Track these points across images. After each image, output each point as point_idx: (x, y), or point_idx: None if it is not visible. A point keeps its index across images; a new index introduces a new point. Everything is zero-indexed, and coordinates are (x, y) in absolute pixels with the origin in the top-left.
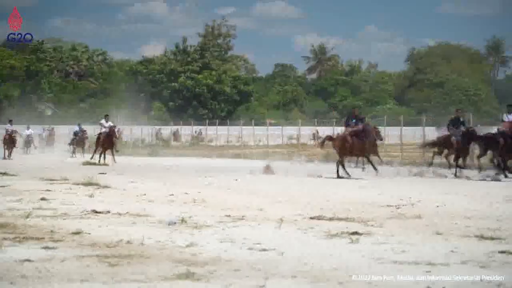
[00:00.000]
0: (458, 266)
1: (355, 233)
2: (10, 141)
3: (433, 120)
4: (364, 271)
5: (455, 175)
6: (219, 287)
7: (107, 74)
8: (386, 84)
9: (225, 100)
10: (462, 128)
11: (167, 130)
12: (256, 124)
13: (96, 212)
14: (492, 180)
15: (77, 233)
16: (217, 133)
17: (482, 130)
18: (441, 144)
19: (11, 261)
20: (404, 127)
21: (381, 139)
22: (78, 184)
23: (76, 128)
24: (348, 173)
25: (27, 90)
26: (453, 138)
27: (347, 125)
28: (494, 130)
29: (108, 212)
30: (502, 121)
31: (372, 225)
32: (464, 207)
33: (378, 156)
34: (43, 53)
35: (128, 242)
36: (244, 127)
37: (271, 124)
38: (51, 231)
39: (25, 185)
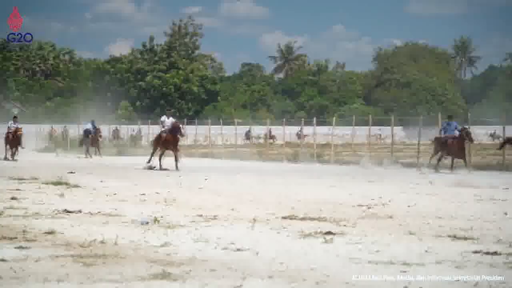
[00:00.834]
0: (434, 266)
1: (329, 233)
2: (14, 140)
3: (401, 121)
4: (340, 271)
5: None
6: (196, 287)
7: (74, 73)
8: (354, 84)
9: (192, 100)
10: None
11: (129, 130)
12: (224, 124)
13: (68, 211)
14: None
15: (50, 232)
16: (185, 132)
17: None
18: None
19: None
20: (372, 127)
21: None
22: (47, 183)
23: (88, 125)
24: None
25: None
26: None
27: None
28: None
29: (80, 211)
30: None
31: (345, 225)
32: (435, 207)
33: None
34: (10, 52)
35: (102, 242)
36: (212, 126)
37: (239, 124)
38: (24, 230)
39: None
